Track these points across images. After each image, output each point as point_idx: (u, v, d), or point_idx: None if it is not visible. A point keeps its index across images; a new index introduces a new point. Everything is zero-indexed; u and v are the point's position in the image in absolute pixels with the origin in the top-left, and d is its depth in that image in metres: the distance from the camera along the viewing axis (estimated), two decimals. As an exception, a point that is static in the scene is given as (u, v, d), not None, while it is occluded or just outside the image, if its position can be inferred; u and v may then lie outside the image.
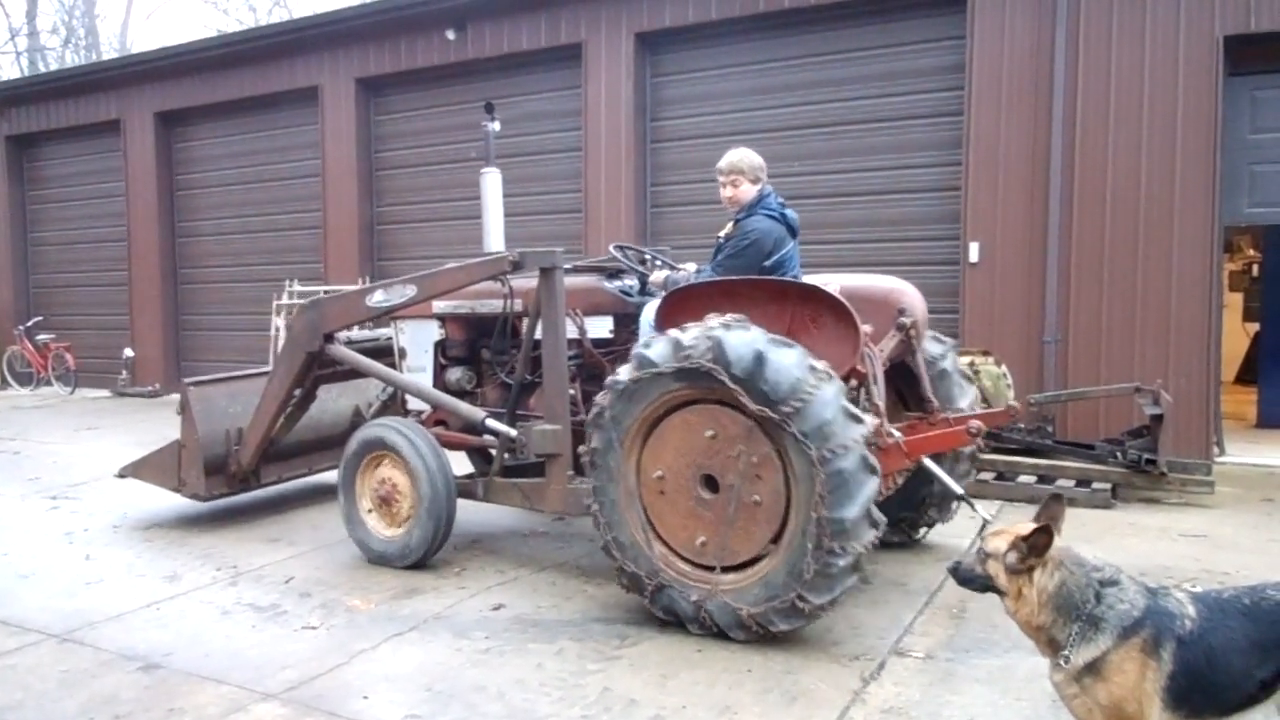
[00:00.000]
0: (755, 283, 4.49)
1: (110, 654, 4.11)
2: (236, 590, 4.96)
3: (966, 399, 5.31)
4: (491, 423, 5.15)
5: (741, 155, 5.14)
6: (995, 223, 8.48)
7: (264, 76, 13.06)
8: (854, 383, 4.32)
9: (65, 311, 15.71)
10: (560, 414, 4.88)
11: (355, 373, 6.12)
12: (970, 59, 8.66)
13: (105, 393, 14.42)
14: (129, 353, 14.45)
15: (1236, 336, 11.83)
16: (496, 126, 6.22)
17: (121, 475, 6.38)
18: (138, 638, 4.29)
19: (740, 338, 3.91)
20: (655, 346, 4.12)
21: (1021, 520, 2.80)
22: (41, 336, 14.99)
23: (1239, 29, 7.78)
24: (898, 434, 4.29)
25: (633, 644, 4.11)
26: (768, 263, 4.82)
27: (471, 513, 6.33)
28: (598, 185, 10.55)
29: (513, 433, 5.04)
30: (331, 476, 6.88)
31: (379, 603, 4.72)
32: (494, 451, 5.45)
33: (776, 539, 3.96)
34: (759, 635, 3.98)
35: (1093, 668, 2.51)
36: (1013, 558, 2.67)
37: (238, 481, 6.17)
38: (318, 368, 5.88)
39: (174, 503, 6.86)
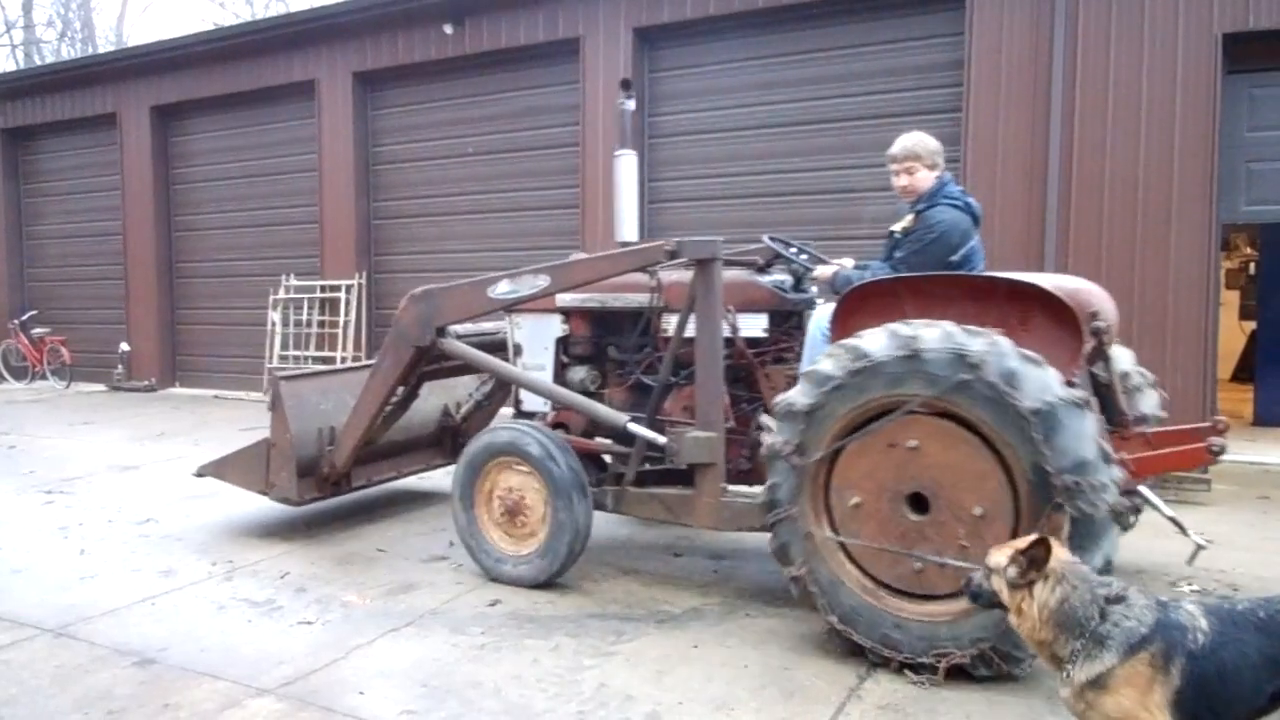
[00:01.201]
0: (952, 279, 4.03)
1: (105, 649, 4.09)
2: (232, 585, 4.95)
3: (1150, 404, 4.78)
4: (636, 427, 4.66)
5: (917, 139, 4.68)
6: (993, 219, 8.44)
7: (260, 70, 13.02)
8: None
9: (61, 305, 15.67)
10: (715, 420, 4.46)
11: (461, 370, 5.80)
12: (969, 55, 8.65)
13: (101, 387, 14.39)
14: (125, 347, 14.42)
15: (1233, 334, 11.85)
16: (631, 105, 5.65)
17: (200, 474, 5.98)
18: (133, 633, 4.28)
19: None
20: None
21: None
22: (37, 330, 14.95)
23: (1237, 26, 7.77)
24: (1125, 456, 3.78)
25: (629, 640, 4.11)
26: (954, 258, 4.37)
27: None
28: (595, 180, 10.53)
29: (661, 439, 4.57)
30: (419, 481, 6.77)
31: (375, 598, 4.71)
32: (608, 458, 5.14)
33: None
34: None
35: (1097, 683, 2.46)
36: (1012, 572, 2.62)
37: (330, 485, 5.77)
38: (425, 363, 5.44)
39: (169, 497, 6.86)
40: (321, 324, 12.57)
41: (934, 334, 3.51)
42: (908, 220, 4.59)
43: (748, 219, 9.46)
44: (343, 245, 12.45)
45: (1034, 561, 2.58)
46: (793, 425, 3.79)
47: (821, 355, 3.81)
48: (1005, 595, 2.64)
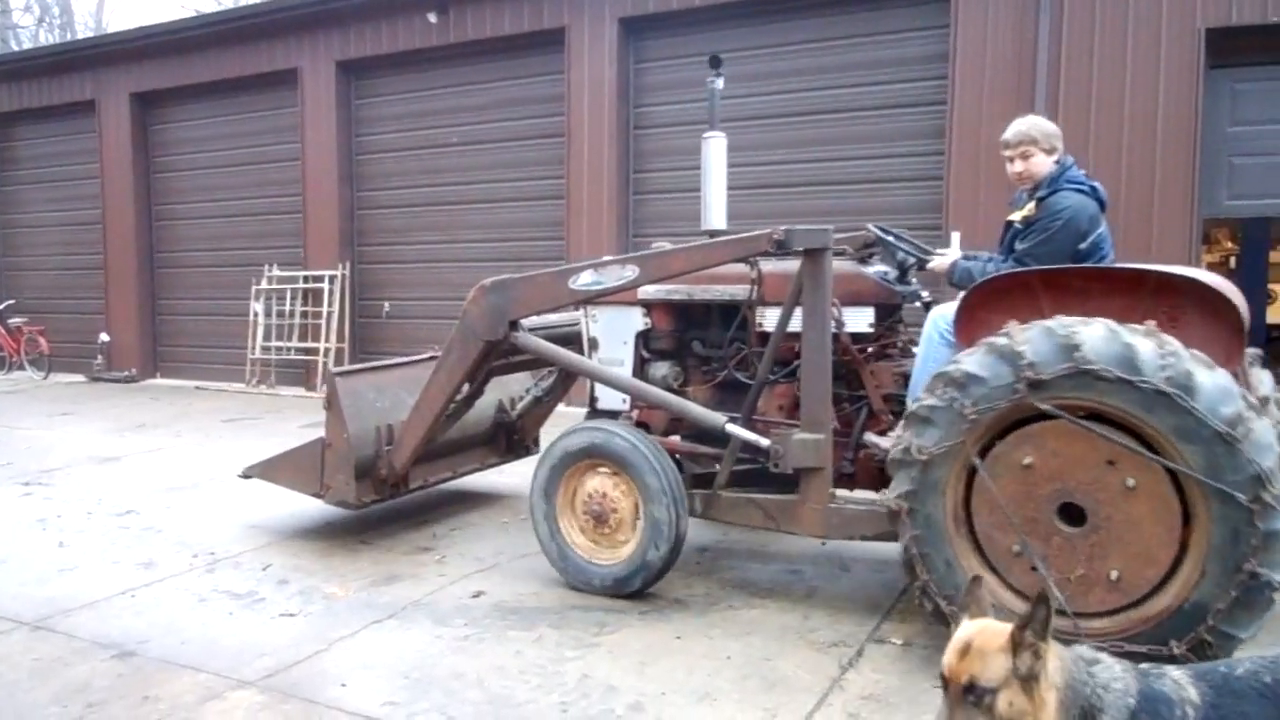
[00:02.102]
0: (1094, 271, 3.74)
1: (84, 642, 4.06)
2: (213, 577, 4.92)
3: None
4: (736, 428, 4.35)
5: (1032, 123, 4.36)
6: (976, 212, 8.49)
7: (242, 58, 12.91)
8: None
9: (38, 294, 15.52)
10: (823, 421, 4.15)
11: (531, 365, 5.59)
12: (953, 48, 8.67)
13: (80, 378, 14.26)
14: (105, 337, 14.30)
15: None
16: (721, 84, 5.22)
17: (246, 476, 5.65)
18: (112, 625, 4.25)
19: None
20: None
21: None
22: (14, 320, 14.82)
23: (1220, 21, 7.82)
24: None
25: (612, 631, 4.11)
26: (1083, 245, 4.09)
27: (449, 499, 6.34)
28: (580, 171, 10.51)
29: (764, 441, 4.26)
30: (474, 481, 6.58)
31: (357, 590, 4.69)
32: (683, 459, 4.81)
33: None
34: None
35: None
36: (1027, 662, 1.97)
37: (389, 487, 5.41)
38: (495, 358, 5.15)
39: (149, 489, 6.81)
40: (304, 315, 12.49)
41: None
42: (1028, 208, 4.26)
43: (732, 212, 9.42)
44: (326, 235, 12.38)
45: (1043, 629, 1.97)
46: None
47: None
48: (1022, 704, 1.96)
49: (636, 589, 4.45)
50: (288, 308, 12.58)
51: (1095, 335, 3.25)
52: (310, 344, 12.37)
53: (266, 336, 12.70)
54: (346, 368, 5.43)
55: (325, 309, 12.18)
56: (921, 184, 9.07)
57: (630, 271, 4.53)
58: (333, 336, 12.10)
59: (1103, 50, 8.16)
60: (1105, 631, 3.34)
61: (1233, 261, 13.29)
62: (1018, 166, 4.36)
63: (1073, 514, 3.39)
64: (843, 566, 5.01)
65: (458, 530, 5.76)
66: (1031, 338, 3.35)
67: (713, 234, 4.90)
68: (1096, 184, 4.28)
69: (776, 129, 9.56)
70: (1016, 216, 4.32)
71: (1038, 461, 3.40)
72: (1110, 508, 3.32)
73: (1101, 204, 4.24)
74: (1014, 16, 8.43)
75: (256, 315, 12.70)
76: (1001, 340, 3.40)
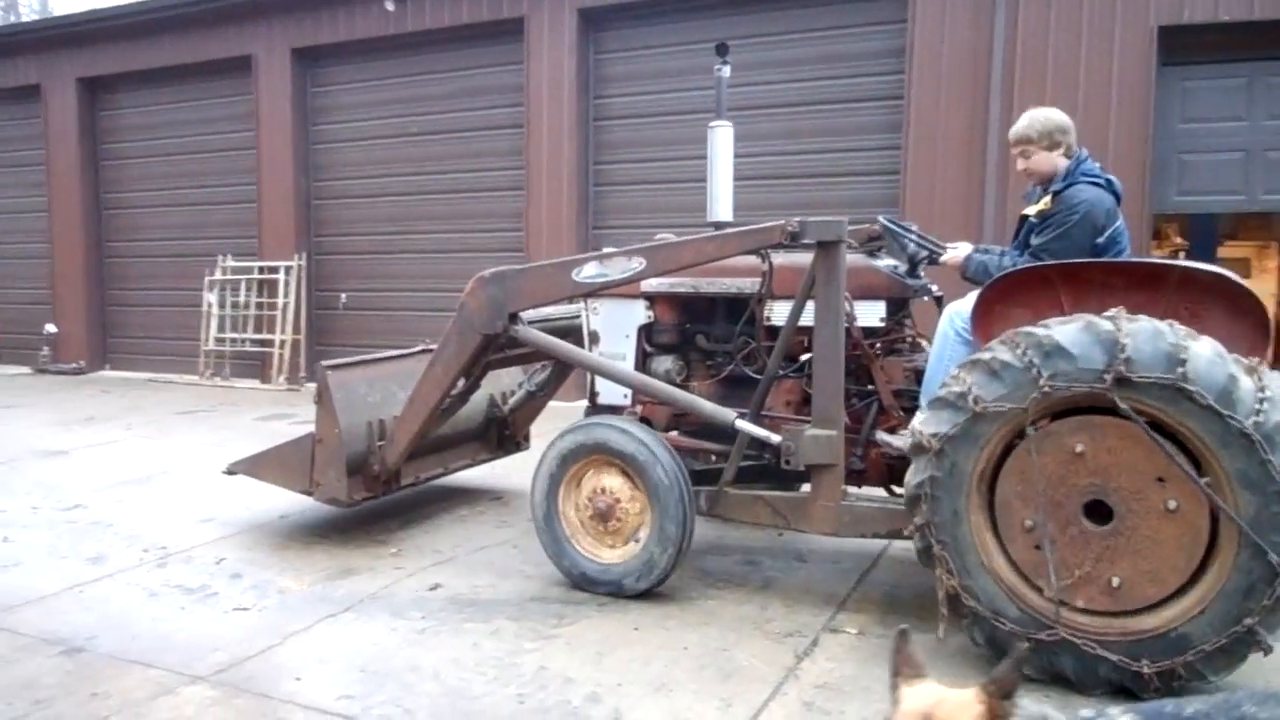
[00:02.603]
0: (1115, 265, 3.69)
1: (29, 638, 3.98)
2: (165, 572, 4.84)
3: None
4: (745, 424, 4.27)
5: (1030, 120, 4.28)
6: (932, 207, 8.59)
7: (194, 44, 12.67)
8: None
9: (-18, 284, 15.16)
10: (835, 417, 4.08)
11: (531, 358, 5.50)
12: (911, 44, 8.75)
13: (25, 369, 13.96)
14: (50, 328, 13.98)
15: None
16: (727, 72, 5.16)
17: (231, 473, 5.48)
18: (59, 621, 4.16)
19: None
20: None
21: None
22: (-45, 311, 14.47)
23: (1173, 20, 7.97)
24: None
25: (570, 623, 4.11)
26: (1100, 240, 4.02)
27: (408, 492, 6.27)
28: (540, 163, 10.47)
29: (776, 438, 4.19)
30: (466, 477, 6.44)
31: (313, 584, 4.65)
32: (685, 455, 4.65)
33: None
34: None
35: None
36: None
37: (381, 483, 5.29)
38: (492, 352, 5.02)
39: (98, 483, 6.69)
40: (260, 306, 12.32)
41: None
42: (1044, 202, 4.18)
43: (691, 203, 9.45)
44: (281, 225, 12.21)
45: (1009, 695, 1.70)
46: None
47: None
48: None
49: (640, 590, 4.33)
50: (242, 299, 12.40)
51: (1202, 354, 3.13)
52: (266, 335, 12.21)
53: (220, 328, 12.51)
54: (338, 361, 5.36)
55: (281, 300, 12.02)
56: (879, 178, 9.15)
57: (637, 264, 4.42)
58: (289, 328, 11.95)
59: (1057, 47, 8.28)
60: (1082, 628, 3.35)
61: (1182, 257, 13.56)
62: (1020, 165, 4.37)
63: (1100, 512, 3.35)
64: (800, 558, 5.05)
65: (415, 523, 5.72)
66: (1137, 332, 3.20)
67: (718, 226, 4.83)
68: (1112, 177, 4.24)
69: (736, 122, 9.53)
70: (1031, 211, 4.26)
71: (1090, 452, 3.31)
72: (1140, 519, 3.27)
73: (1117, 197, 4.20)
74: (970, 13, 8.53)
75: (210, 306, 12.51)
76: (1106, 324, 3.24)
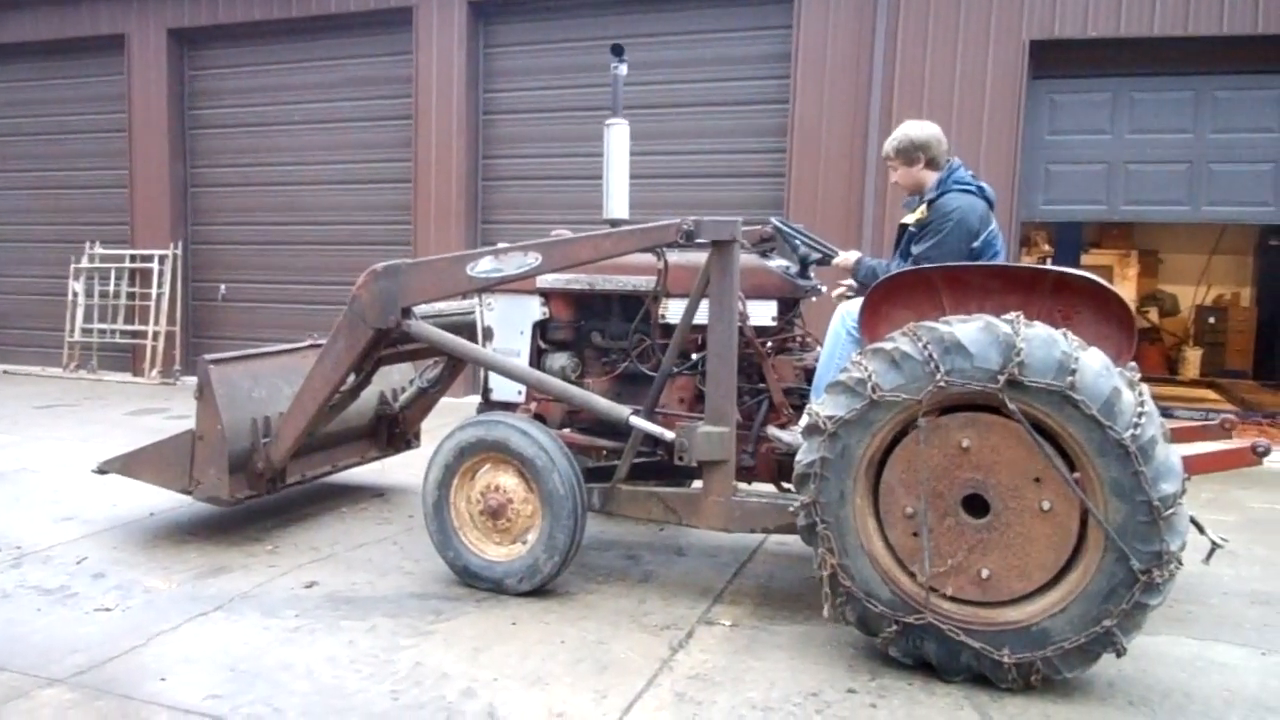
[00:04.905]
0: (994, 270, 3.83)
1: None
2: (20, 572, 4.62)
3: None
4: (640, 421, 4.29)
5: (892, 137, 4.53)
6: (815, 211, 8.81)
7: (63, 20, 12.05)
8: None
9: None
10: (727, 414, 4.15)
11: (425, 354, 5.40)
12: (796, 48, 8.97)
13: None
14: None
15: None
16: (624, 70, 5.20)
17: (102, 471, 5.24)
18: (-99, 625, 3.95)
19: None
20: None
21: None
22: None
23: (1044, 34, 8.37)
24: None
25: (448, 619, 4.09)
26: (975, 244, 4.23)
27: (291, 489, 6.12)
28: (428, 155, 10.33)
29: (669, 435, 4.22)
30: (349, 475, 6.22)
31: (181, 582, 4.50)
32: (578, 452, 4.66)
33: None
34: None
35: None
36: None
37: (264, 482, 5.14)
38: (384, 347, 4.94)
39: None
40: (132, 296, 11.81)
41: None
42: (920, 211, 4.39)
43: (581, 200, 9.50)
44: (155, 213, 11.73)
45: None
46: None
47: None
48: None
49: (521, 591, 4.34)
50: (112, 288, 11.86)
51: (1091, 366, 3.26)
52: (138, 326, 11.72)
53: (88, 318, 11.94)
54: (220, 355, 5.16)
55: (155, 290, 11.55)
56: (764, 179, 9.35)
57: (532, 259, 4.40)
58: (163, 319, 11.49)
59: (934, 57, 8.61)
60: (948, 614, 3.49)
61: (1049, 264, 14.24)
62: (891, 177, 4.60)
63: (977, 505, 3.48)
64: (679, 552, 5.14)
65: (290, 520, 5.59)
66: (1032, 338, 3.31)
67: (614, 223, 4.86)
68: (984, 184, 4.46)
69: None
70: (910, 219, 4.45)
71: (974, 448, 3.44)
72: (1013, 516, 3.42)
73: (990, 203, 4.41)
74: (852, 19, 8.78)
75: (76, 295, 11.93)
76: (1004, 327, 3.35)
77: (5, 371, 12.26)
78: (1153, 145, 8.54)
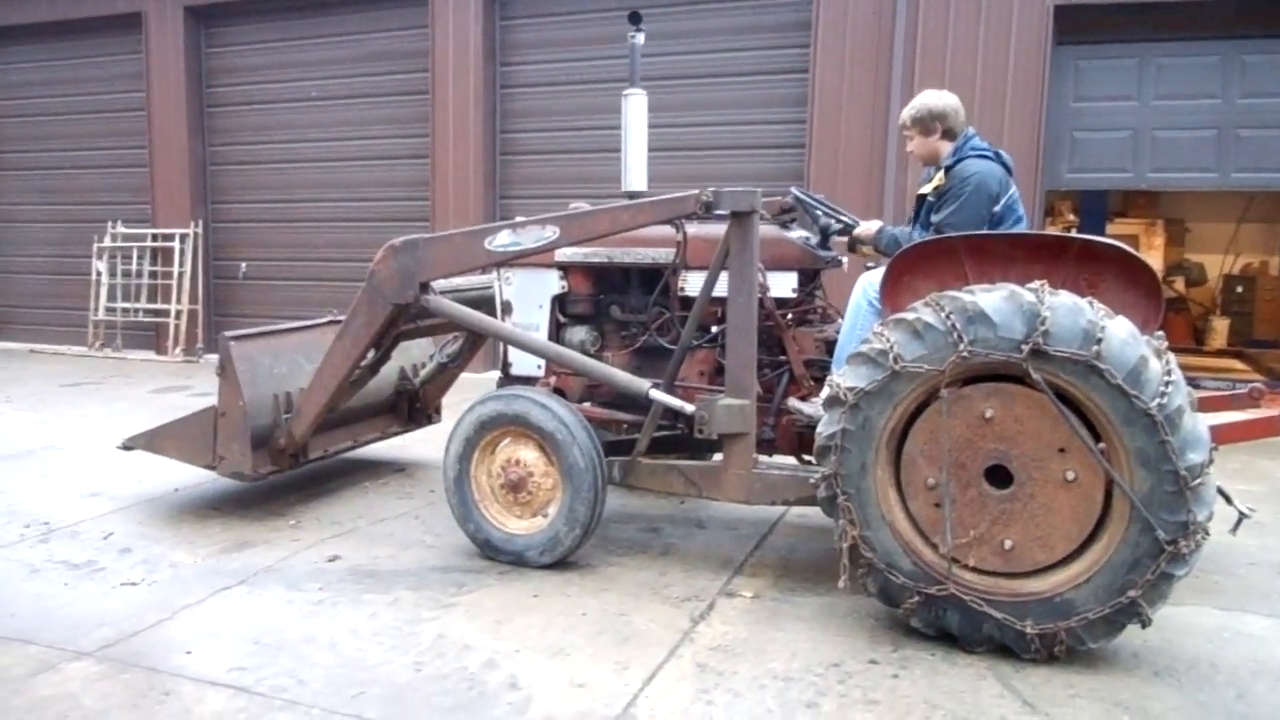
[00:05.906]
0: (1015, 238, 3.78)
1: (-100, 617, 3.82)
2: (48, 547, 4.68)
3: None
4: (660, 394, 4.28)
5: (911, 106, 4.50)
6: (836, 180, 8.72)
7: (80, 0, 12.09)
8: None
9: None
10: (748, 386, 4.13)
11: (443, 329, 5.43)
12: (816, 17, 8.84)
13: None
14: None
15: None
16: (641, 40, 5.08)
17: (128, 448, 5.27)
18: (-68, 600, 4.00)
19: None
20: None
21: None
22: None
23: (1068, -1, 8.21)
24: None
25: (470, 592, 4.11)
26: (996, 208, 4.19)
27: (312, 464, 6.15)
28: (445, 130, 10.30)
29: (690, 408, 4.21)
30: (370, 450, 6.24)
31: (206, 557, 4.55)
32: (598, 426, 4.64)
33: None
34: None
35: None
36: None
37: (287, 457, 5.18)
38: (403, 322, 4.97)
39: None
40: (154, 275, 11.89)
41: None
42: (938, 179, 4.34)
43: (599, 174, 9.44)
44: (176, 191, 11.77)
45: None
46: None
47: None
48: None
49: (542, 564, 4.35)
50: (134, 267, 11.94)
51: (1117, 335, 3.20)
52: (161, 305, 11.79)
53: (111, 297, 12.03)
54: (241, 332, 5.20)
55: (177, 269, 11.61)
56: (784, 150, 9.26)
57: (550, 232, 4.37)
58: (184, 298, 11.56)
59: (957, 24, 8.47)
60: (970, 585, 3.46)
61: (1074, 233, 14.06)
62: (908, 147, 4.56)
63: (999, 476, 3.44)
64: (699, 525, 5.14)
65: (315, 496, 5.62)
66: (1057, 306, 3.25)
67: (632, 195, 4.83)
68: (1001, 150, 4.41)
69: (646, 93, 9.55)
70: (927, 189, 4.40)
71: (998, 418, 3.40)
72: (1037, 487, 3.39)
73: (1008, 169, 4.34)
74: (873, -11, 8.65)
75: (99, 274, 12.02)
76: (1029, 296, 3.29)
77: (32, 350, 12.39)
78: (1180, 111, 8.38)
